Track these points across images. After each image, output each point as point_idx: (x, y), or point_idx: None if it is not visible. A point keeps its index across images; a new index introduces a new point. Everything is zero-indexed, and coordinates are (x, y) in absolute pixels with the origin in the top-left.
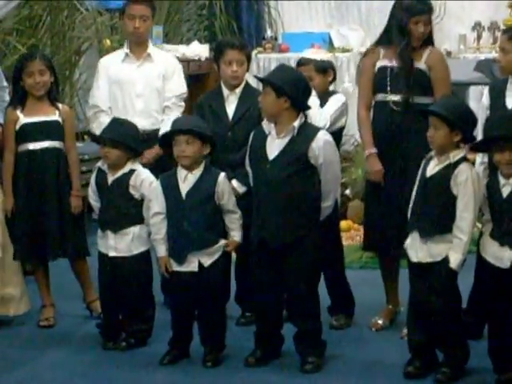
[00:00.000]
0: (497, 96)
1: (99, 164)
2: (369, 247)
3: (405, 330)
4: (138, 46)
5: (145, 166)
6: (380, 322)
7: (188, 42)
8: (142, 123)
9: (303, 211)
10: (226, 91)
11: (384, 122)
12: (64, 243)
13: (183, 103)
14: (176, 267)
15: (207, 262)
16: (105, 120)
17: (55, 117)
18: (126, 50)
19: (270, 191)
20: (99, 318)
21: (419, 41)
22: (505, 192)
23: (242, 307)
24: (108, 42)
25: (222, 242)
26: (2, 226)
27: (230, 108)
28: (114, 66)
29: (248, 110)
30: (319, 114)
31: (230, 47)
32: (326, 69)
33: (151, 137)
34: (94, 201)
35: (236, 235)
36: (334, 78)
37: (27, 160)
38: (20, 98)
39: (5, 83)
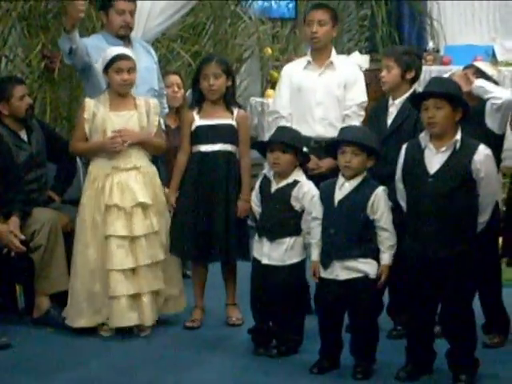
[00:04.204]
0: None
1: (265, 171)
2: (508, 255)
3: None
4: (320, 53)
5: (311, 177)
6: None
7: (348, 52)
8: (321, 131)
9: (464, 225)
10: (390, 101)
11: None
12: (228, 246)
13: (363, 112)
14: (323, 273)
15: (346, 275)
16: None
17: (229, 121)
18: (308, 57)
19: (433, 205)
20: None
21: None
22: None
23: (395, 320)
24: (269, 50)
25: (369, 269)
26: (166, 228)
27: (390, 119)
28: (296, 73)
29: (403, 123)
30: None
31: (383, 54)
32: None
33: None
34: (256, 206)
35: (385, 258)
36: None
37: (198, 161)
38: (197, 100)
39: (165, 91)
